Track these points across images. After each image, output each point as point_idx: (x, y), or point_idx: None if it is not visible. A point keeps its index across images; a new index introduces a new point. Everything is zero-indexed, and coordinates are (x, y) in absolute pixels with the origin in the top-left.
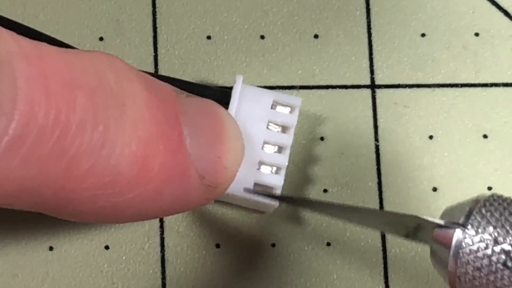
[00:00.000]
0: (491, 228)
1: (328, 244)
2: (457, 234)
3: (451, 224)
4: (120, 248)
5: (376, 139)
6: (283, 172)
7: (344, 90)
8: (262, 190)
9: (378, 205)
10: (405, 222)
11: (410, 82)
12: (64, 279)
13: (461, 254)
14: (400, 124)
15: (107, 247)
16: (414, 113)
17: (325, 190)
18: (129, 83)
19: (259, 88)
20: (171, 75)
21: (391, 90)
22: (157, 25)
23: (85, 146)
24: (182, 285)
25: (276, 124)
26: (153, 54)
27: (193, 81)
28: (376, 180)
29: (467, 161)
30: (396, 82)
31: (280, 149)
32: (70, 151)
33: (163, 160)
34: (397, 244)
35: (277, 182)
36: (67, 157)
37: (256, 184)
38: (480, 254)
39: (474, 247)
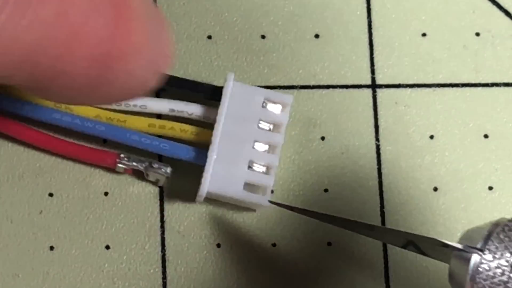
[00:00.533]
0: (508, 254)
1: (329, 243)
2: (474, 258)
3: (469, 248)
4: (121, 248)
5: (377, 139)
6: (273, 171)
7: (344, 90)
8: (253, 190)
9: (379, 205)
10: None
11: (411, 82)
12: (64, 279)
13: (478, 280)
14: (400, 123)
15: (107, 247)
16: (415, 113)
17: (325, 190)
18: None
19: (250, 86)
20: (172, 74)
21: (391, 90)
22: None
23: (83, 12)
24: (182, 285)
25: (267, 122)
26: None
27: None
28: (376, 179)
29: (467, 161)
30: (396, 82)
31: (271, 148)
32: (70, 17)
33: (140, 40)
34: None
35: (267, 182)
36: (68, 23)
37: (246, 184)
38: (496, 280)
39: (491, 273)
